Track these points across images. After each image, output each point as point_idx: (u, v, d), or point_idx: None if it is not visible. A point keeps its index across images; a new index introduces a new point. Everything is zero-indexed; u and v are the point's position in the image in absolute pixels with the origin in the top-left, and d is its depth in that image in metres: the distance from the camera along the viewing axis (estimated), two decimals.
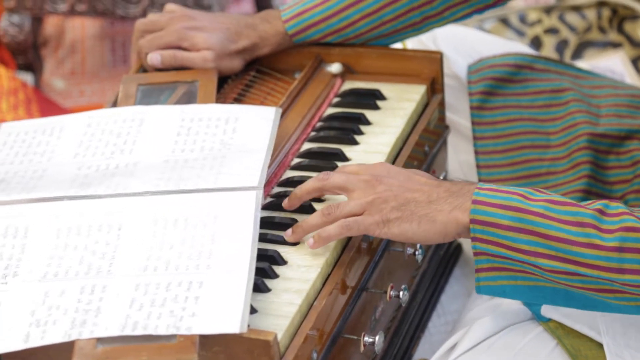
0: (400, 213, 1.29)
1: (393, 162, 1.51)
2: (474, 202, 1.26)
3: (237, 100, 1.63)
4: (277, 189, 1.45)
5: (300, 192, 1.37)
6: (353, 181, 1.33)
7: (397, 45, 1.75)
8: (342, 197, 1.39)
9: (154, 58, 1.64)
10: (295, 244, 1.36)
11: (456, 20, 1.67)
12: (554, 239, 1.23)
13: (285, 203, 1.39)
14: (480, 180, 1.71)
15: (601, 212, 1.22)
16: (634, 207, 1.24)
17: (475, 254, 1.27)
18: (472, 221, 1.26)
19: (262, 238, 1.35)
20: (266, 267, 1.31)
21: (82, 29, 2.97)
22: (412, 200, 1.29)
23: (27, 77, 2.70)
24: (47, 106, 2.48)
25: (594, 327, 1.38)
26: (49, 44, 2.90)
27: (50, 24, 2.94)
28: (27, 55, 2.69)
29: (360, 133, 1.56)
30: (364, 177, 1.33)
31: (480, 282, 1.29)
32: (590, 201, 1.25)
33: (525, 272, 1.27)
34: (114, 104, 1.61)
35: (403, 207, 1.29)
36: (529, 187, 1.28)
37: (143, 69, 1.68)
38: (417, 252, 1.49)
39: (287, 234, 1.35)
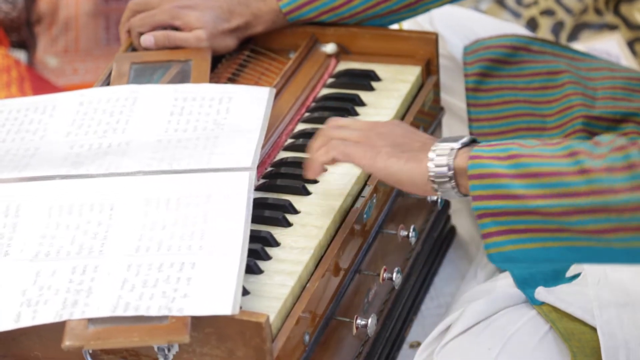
0: (390, 149, 1.28)
1: None
2: (471, 157, 1.23)
3: (231, 80, 1.62)
4: (270, 170, 1.44)
5: (312, 153, 1.36)
6: (360, 123, 1.34)
7: (393, 26, 1.74)
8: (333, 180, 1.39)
9: (147, 39, 1.62)
10: (288, 225, 1.35)
11: (452, 2, 1.66)
12: (545, 175, 1.19)
13: (306, 173, 1.37)
14: None
15: (596, 142, 1.19)
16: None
17: (478, 216, 1.23)
18: (471, 177, 1.22)
19: (255, 219, 1.34)
20: (259, 248, 1.30)
21: (76, 6, 2.95)
22: (407, 144, 1.28)
23: (21, 55, 2.68)
24: (40, 84, 2.46)
25: (587, 310, 1.37)
26: (43, 21, 2.88)
27: (44, 1, 2.92)
28: (21, 32, 2.68)
29: (355, 114, 1.55)
30: (371, 121, 1.34)
31: (489, 249, 1.24)
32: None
33: (529, 232, 1.22)
34: (107, 83, 1.60)
35: (395, 146, 1.28)
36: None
37: (132, 47, 1.67)
38: (410, 235, 1.48)
39: (305, 171, 1.35)
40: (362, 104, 1.57)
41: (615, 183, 1.15)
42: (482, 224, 1.23)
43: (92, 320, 1.17)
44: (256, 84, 1.61)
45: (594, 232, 1.18)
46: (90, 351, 1.22)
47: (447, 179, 1.25)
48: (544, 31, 2.41)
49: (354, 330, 1.36)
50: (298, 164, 1.43)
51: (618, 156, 1.16)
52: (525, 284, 1.43)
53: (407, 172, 1.27)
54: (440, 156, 1.25)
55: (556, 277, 1.42)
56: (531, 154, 1.20)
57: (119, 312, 1.17)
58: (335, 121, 1.36)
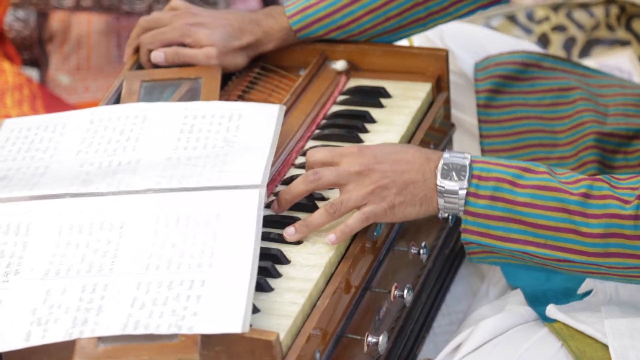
0: (403, 197, 1.35)
1: None
2: (467, 193, 1.32)
3: (241, 97, 1.62)
4: (280, 187, 1.44)
5: (291, 196, 1.38)
6: (344, 175, 1.35)
7: (403, 42, 1.74)
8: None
9: (158, 56, 1.63)
10: (299, 243, 1.35)
11: (461, 17, 1.66)
12: (541, 227, 1.29)
13: (274, 207, 1.39)
14: None
15: (586, 195, 1.28)
16: (620, 175, 1.30)
17: (466, 243, 1.34)
18: (465, 212, 1.32)
19: (265, 237, 1.34)
20: (269, 266, 1.30)
21: (88, 24, 2.96)
22: (409, 182, 1.35)
23: (33, 73, 2.69)
24: (52, 102, 2.47)
25: (599, 328, 1.37)
26: (55, 39, 2.89)
27: (56, 19, 2.94)
28: (33, 50, 2.69)
29: (365, 131, 1.55)
30: (353, 168, 1.35)
31: (472, 260, 1.37)
32: (575, 178, 1.30)
33: (514, 257, 1.33)
34: (115, 100, 1.60)
35: (404, 191, 1.35)
36: (521, 166, 1.32)
37: (138, 64, 1.67)
38: (421, 252, 1.48)
39: (289, 233, 1.34)
40: (372, 120, 1.57)
41: (609, 248, 1.27)
42: (468, 247, 1.35)
43: (102, 339, 1.17)
44: (266, 101, 1.61)
45: (579, 272, 1.32)
46: None
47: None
48: (556, 47, 2.41)
49: (365, 348, 1.35)
50: None
51: (613, 224, 1.26)
52: (537, 301, 1.42)
53: (423, 214, 1.37)
54: (449, 203, 1.34)
55: (567, 295, 1.42)
56: (524, 202, 1.30)
57: (129, 331, 1.17)
58: (325, 176, 1.36)
